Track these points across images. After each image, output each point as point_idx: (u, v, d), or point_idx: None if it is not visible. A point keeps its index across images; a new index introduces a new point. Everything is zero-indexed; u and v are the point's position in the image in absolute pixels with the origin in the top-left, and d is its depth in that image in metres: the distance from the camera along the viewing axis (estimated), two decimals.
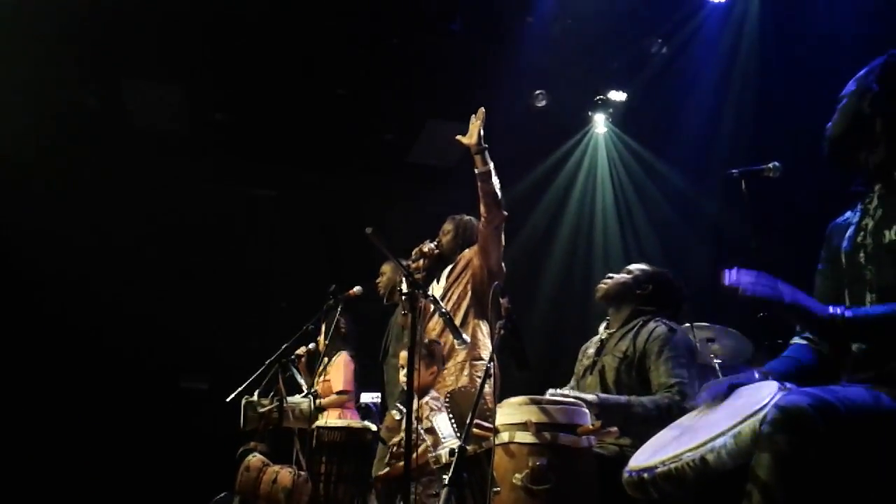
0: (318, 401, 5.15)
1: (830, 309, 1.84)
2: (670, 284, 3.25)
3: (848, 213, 2.10)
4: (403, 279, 3.13)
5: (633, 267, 3.29)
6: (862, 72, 2.05)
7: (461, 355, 3.94)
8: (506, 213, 3.99)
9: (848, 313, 1.82)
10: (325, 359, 5.43)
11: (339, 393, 5.24)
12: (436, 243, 4.28)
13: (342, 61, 6.11)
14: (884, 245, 1.90)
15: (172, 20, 5.55)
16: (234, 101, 6.62)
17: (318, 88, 6.42)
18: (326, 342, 5.27)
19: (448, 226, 4.36)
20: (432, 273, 4.29)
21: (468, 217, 4.36)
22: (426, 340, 3.89)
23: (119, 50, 5.89)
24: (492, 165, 3.86)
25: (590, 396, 2.74)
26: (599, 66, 6.54)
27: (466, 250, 4.20)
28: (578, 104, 7.05)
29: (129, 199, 6.75)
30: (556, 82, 6.58)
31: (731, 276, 1.89)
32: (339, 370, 5.29)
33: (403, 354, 3.69)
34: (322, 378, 5.28)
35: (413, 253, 4.18)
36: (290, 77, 6.28)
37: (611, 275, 3.28)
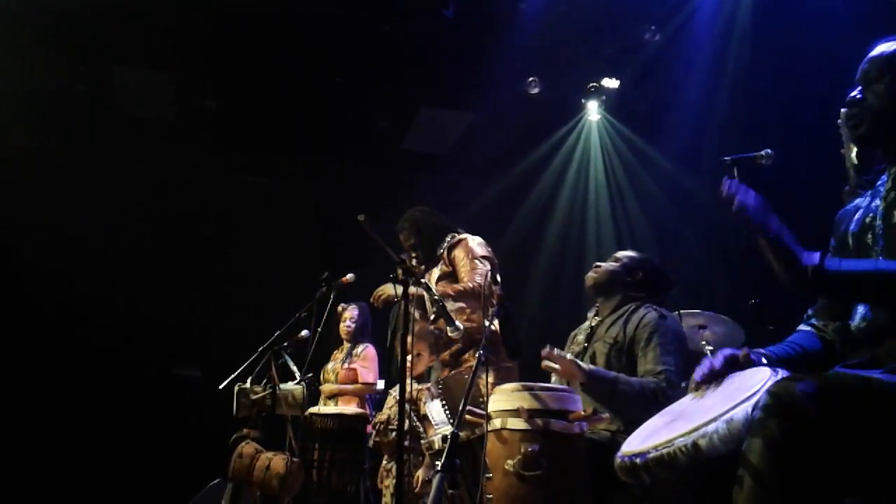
0: (337, 386, 5.20)
1: (809, 256, 1.77)
2: (659, 271, 3.26)
3: (858, 200, 2.08)
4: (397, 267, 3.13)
5: (621, 254, 3.28)
6: None
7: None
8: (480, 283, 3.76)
9: (828, 264, 1.77)
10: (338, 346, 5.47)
11: (366, 384, 5.31)
12: (414, 257, 4.07)
13: (334, 48, 6.07)
14: (893, 225, 1.87)
15: (163, 7, 5.51)
16: (226, 88, 6.58)
17: (310, 75, 6.38)
18: (319, 329, 5.29)
19: (408, 238, 4.14)
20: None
21: (417, 211, 4.18)
22: (431, 328, 3.87)
23: (110, 37, 5.84)
24: (450, 305, 3.63)
25: (584, 364, 2.79)
26: (592, 53, 6.51)
27: (448, 254, 4.04)
28: (571, 91, 7.03)
29: (119, 187, 6.72)
30: (549, 69, 6.56)
31: (733, 187, 1.86)
32: (372, 362, 5.37)
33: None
34: (345, 365, 5.30)
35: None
36: (282, 64, 6.23)
37: (598, 264, 3.26)
